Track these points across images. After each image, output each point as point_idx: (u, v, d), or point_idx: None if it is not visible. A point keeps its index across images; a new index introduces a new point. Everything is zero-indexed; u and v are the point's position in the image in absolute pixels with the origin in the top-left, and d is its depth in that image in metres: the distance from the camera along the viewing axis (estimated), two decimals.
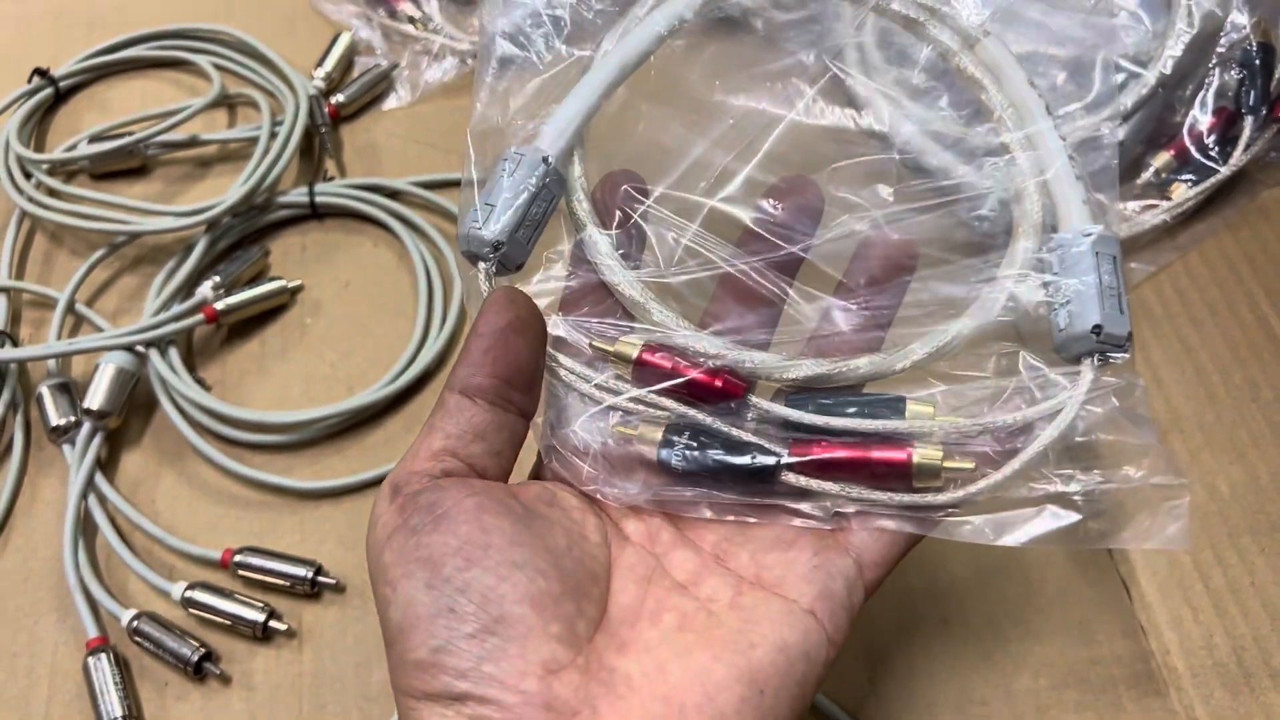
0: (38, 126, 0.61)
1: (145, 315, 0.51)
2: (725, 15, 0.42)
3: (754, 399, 0.33)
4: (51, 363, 0.51)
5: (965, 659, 0.41)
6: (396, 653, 0.28)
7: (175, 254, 0.54)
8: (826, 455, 0.31)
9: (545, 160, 0.34)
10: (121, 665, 0.43)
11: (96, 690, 0.42)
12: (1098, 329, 0.32)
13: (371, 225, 0.56)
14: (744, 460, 0.31)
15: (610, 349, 0.33)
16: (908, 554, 0.32)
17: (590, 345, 0.34)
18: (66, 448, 0.49)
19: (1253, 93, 0.50)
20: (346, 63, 0.63)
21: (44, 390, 0.49)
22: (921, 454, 0.31)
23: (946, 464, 0.31)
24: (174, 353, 0.51)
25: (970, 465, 0.31)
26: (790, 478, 0.31)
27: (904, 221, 0.36)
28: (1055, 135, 0.36)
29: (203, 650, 0.43)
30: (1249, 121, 0.51)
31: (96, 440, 0.48)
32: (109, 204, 0.55)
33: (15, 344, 0.52)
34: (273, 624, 0.44)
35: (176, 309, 0.51)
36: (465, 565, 0.28)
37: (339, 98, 0.60)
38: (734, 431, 0.32)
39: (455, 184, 0.57)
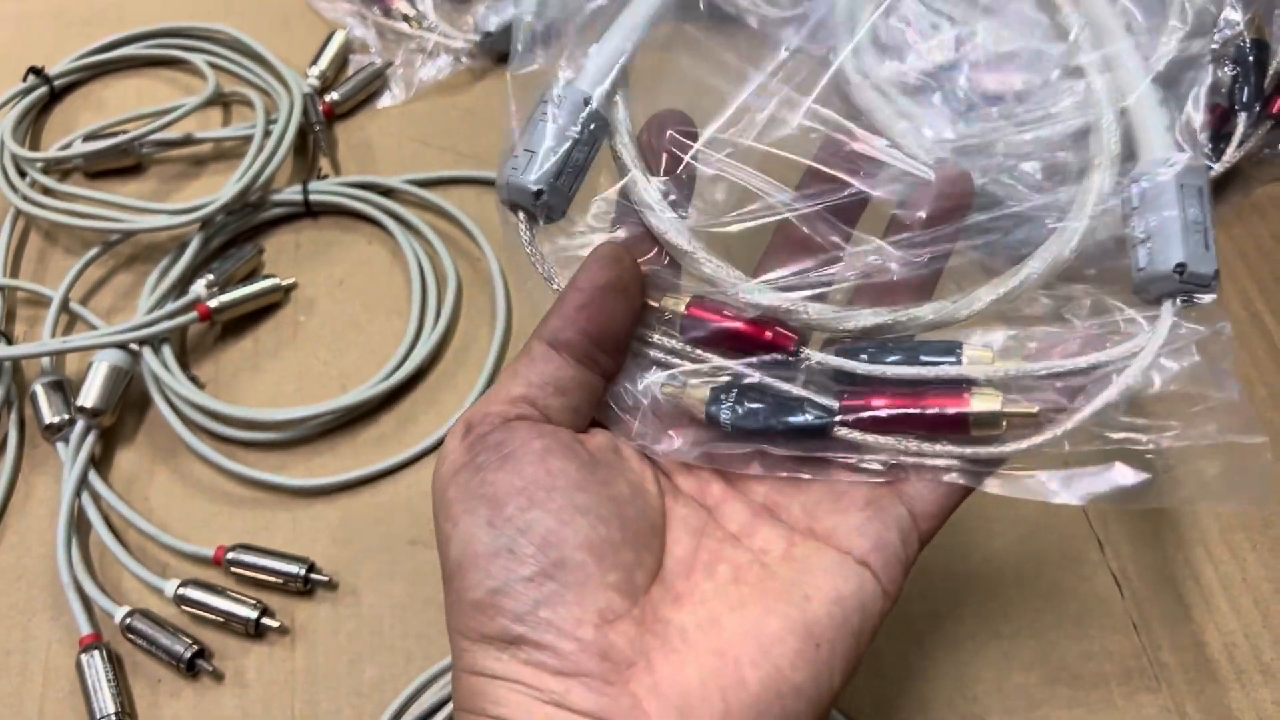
0: (33, 125, 0.61)
1: (139, 313, 0.51)
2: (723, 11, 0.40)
3: (806, 350, 0.31)
4: (45, 361, 0.51)
5: (958, 653, 0.42)
6: (454, 591, 0.28)
7: (169, 252, 0.54)
8: (880, 410, 0.30)
9: (587, 101, 0.32)
10: (115, 662, 0.43)
11: (89, 687, 0.42)
12: (1181, 267, 0.29)
13: (365, 223, 0.56)
14: (796, 419, 0.30)
15: (657, 303, 0.32)
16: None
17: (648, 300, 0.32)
18: (60, 445, 0.49)
19: (1246, 89, 0.50)
20: (341, 61, 0.63)
21: (38, 388, 0.49)
22: (981, 400, 0.29)
23: (1007, 410, 0.29)
24: (167, 350, 0.51)
25: (1033, 410, 0.29)
26: (843, 433, 0.30)
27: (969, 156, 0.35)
28: (1136, 55, 0.34)
29: (195, 647, 0.43)
30: (1243, 118, 0.50)
31: (90, 438, 0.48)
32: (103, 202, 0.55)
33: (9, 342, 0.52)
34: (265, 621, 0.44)
35: (170, 307, 0.51)
36: (527, 505, 0.28)
37: (333, 96, 0.60)
38: (784, 386, 0.31)
39: (450, 182, 0.57)
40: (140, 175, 0.59)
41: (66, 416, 0.49)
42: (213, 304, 0.51)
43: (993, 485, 0.30)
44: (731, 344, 0.32)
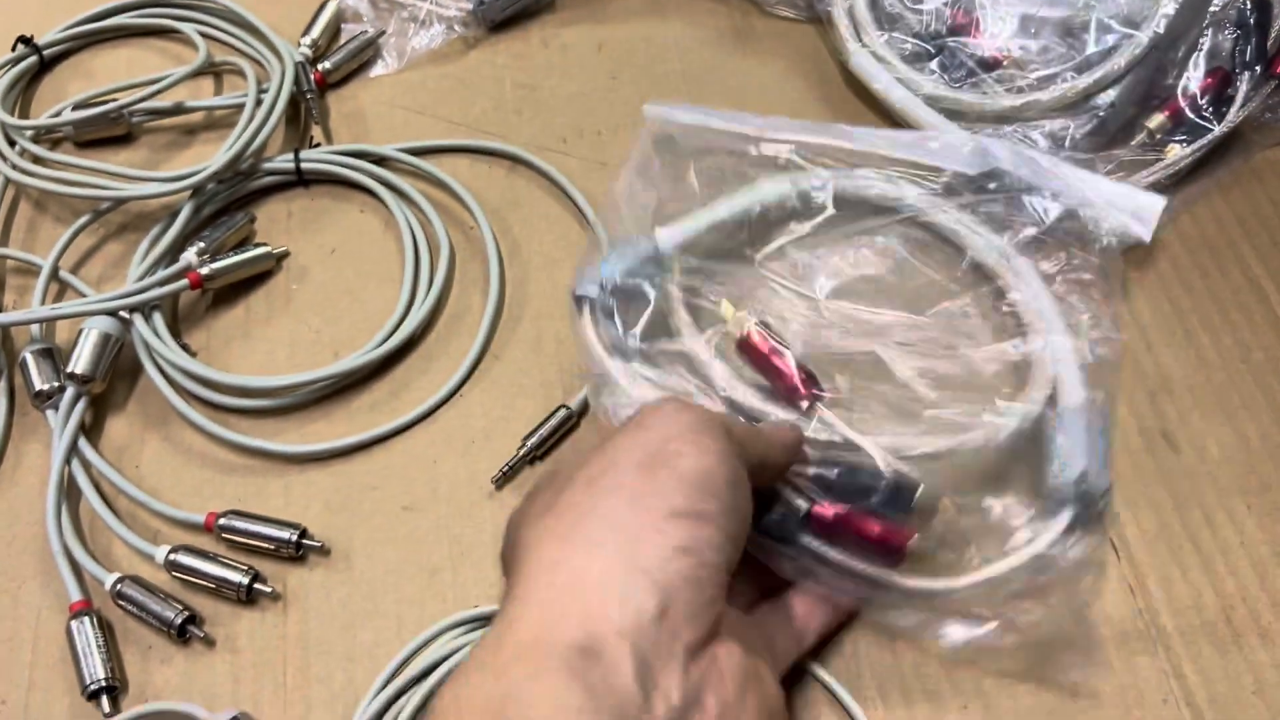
0: (22, 95, 0.61)
1: (129, 281, 0.51)
2: None
3: (819, 406, 0.41)
4: (35, 328, 0.50)
5: None
6: (655, 484, 0.32)
7: (160, 220, 0.54)
8: (841, 520, 0.38)
9: (655, 245, 0.46)
10: (105, 629, 0.43)
11: (80, 654, 0.42)
12: (1083, 476, 0.40)
13: (358, 192, 0.56)
14: (773, 516, 0.39)
15: (727, 316, 0.44)
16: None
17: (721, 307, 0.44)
18: (50, 413, 0.48)
19: (1248, 49, 0.50)
20: (333, 30, 0.62)
21: (27, 355, 0.49)
22: (915, 540, 0.38)
23: (936, 554, 0.39)
24: (158, 318, 0.50)
25: (950, 559, 0.39)
26: (807, 540, 0.38)
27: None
28: (1066, 338, 0.44)
29: (186, 613, 0.43)
30: (1244, 79, 0.50)
31: (80, 405, 0.48)
32: (93, 170, 0.54)
33: None
34: (257, 586, 0.43)
35: (161, 274, 0.51)
36: (745, 514, 0.34)
37: (325, 65, 0.60)
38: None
39: (443, 150, 0.57)
40: (131, 145, 0.59)
41: (56, 384, 0.48)
42: (204, 271, 0.51)
43: (900, 619, 0.39)
44: (766, 372, 0.43)
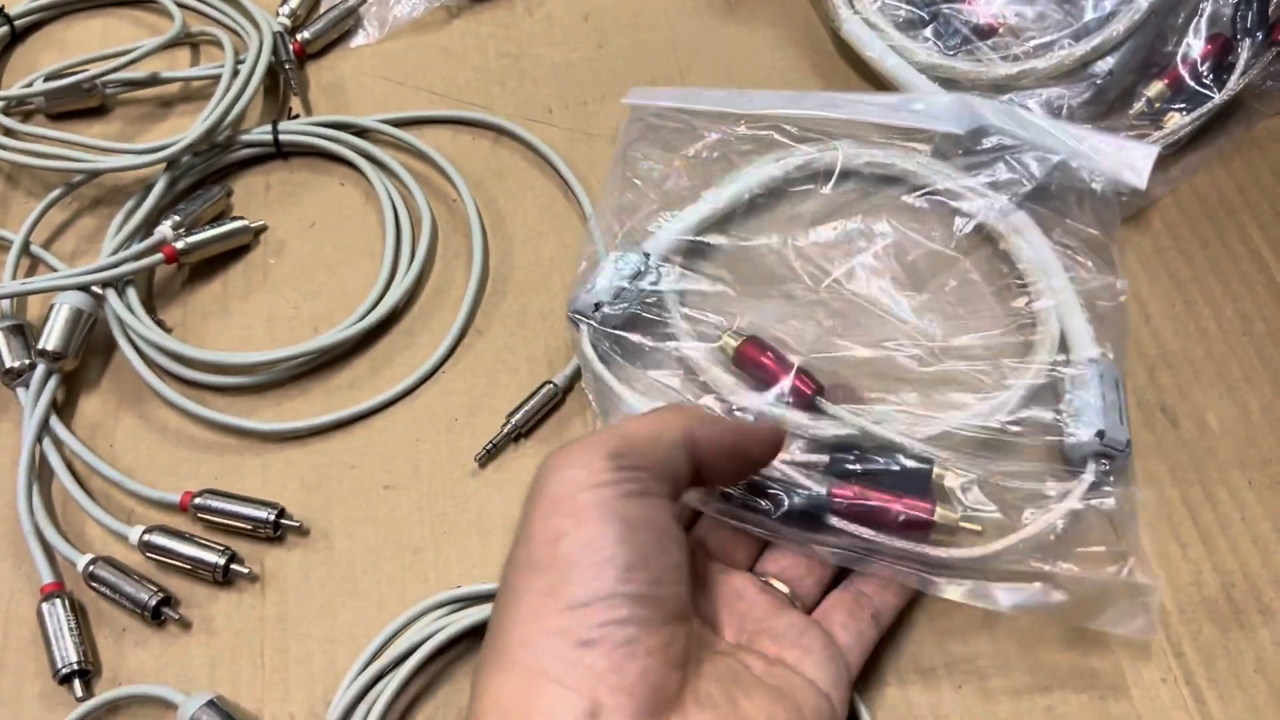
0: None
1: (103, 255, 0.50)
2: None
3: (823, 400, 0.41)
4: (5, 304, 0.49)
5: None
6: (549, 584, 0.30)
7: (135, 194, 0.52)
8: (863, 501, 0.38)
9: (646, 255, 0.46)
10: (77, 611, 0.42)
11: (51, 636, 0.41)
12: (1101, 434, 0.39)
13: (338, 164, 0.54)
14: (797, 500, 0.38)
15: (724, 336, 0.44)
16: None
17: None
18: (20, 390, 0.47)
19: (1249, 15, 0.49)
20: None
21: None
22: (941, 512, 0.38)
23: (962, 524, 0.38)
24: (132, 293, 0.49)
25: (979, 529, 0.38)
26: (834, 521, 0.38)
27: None
28: (1071, 293, 0.44)
29: (161, 594, 0.42)
30: (1245, 45, 0.49)
31: (51, 383, 0.47)
32: (65, 142, 0.53)
33: None
34: (234, 567, 0.42)
35: (135, 248, 0.49)
36: (655, 544, 0.31)
37: (304, 34, 0.58)
38: (795, 475, 0.39)
39: (425, 121, 0.55)
40: (105, 117, 0.57)
41: (27, 361, 0.47)
42: (179, 245, 0.49)
43: (935, 588, 0.38)
44: (766, 378, 0.42)
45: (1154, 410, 0.44)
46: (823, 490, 0.38)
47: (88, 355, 0.48)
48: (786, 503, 0.38)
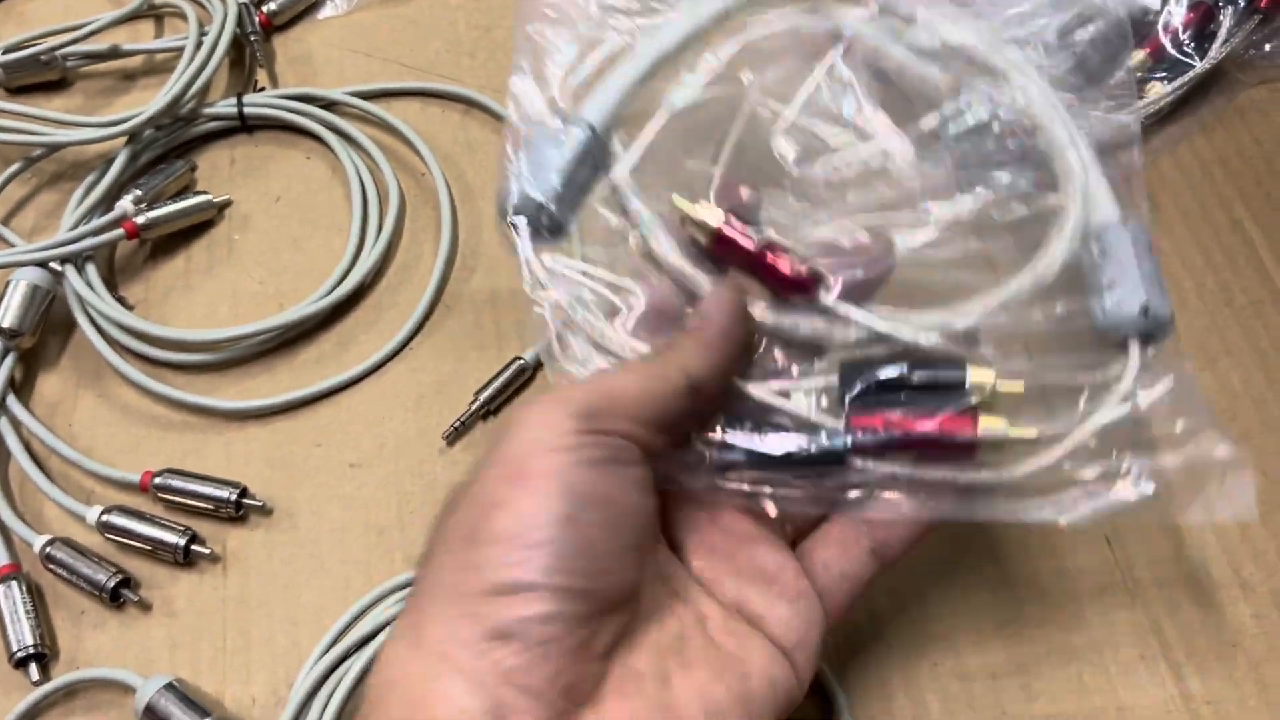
0: None
1: (62, 230, 0.48)
2: None
3: (825, 295, 0.32)
4: None
5: (922, 573, 0.39)
6: (475, 560, 0.27)
7: (95, 169, 0.51)
8: (889, 430, 0.30)
9: (591, 128, 0.34)
10: (34, 593, 0.41)
11: (6, 619, 0.40)
12: (1145, 309, 0.32)
13: (304, 137, 0.53)
14: (811, 446, 0.31)
15: (691, 212, 0.32)
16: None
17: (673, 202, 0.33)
18: None
19: None
20: None
21: None
22: (987, 424, 0.30)
23: (1012, 434, 0.30)
24: (92, 270, 0.48)
25: (1033, 434, 0.31)
26: (858, 463, 0.31)
27: None
28: (1081, 138, 0.36)
29: (120, 576, 0.41)
30: (1227, 13, 0.48)
31: (9, 360, 0.46)
32: (23, 115, 0.52)
33: None
34: (195, 548, 0.41)
35: (94, 223, 0.48)
36: (603, 527, 0.27)
37: (271, 6, 0.57)
38: (793, 408, 0.31)
39: (394, 94, 0.54)
40: (66, 90, 0.56)
41: None
42: (140, 220, 0.48)
43: (995, 512, 0.31)
44: (753, 268, 0.32)
45: None
46: (839, 425, 0.31)
47: (46, 333, 0.47)
48: (796, 450, 0.30)
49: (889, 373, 0.31)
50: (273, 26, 0.57)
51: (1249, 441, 0.41)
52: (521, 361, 0.45)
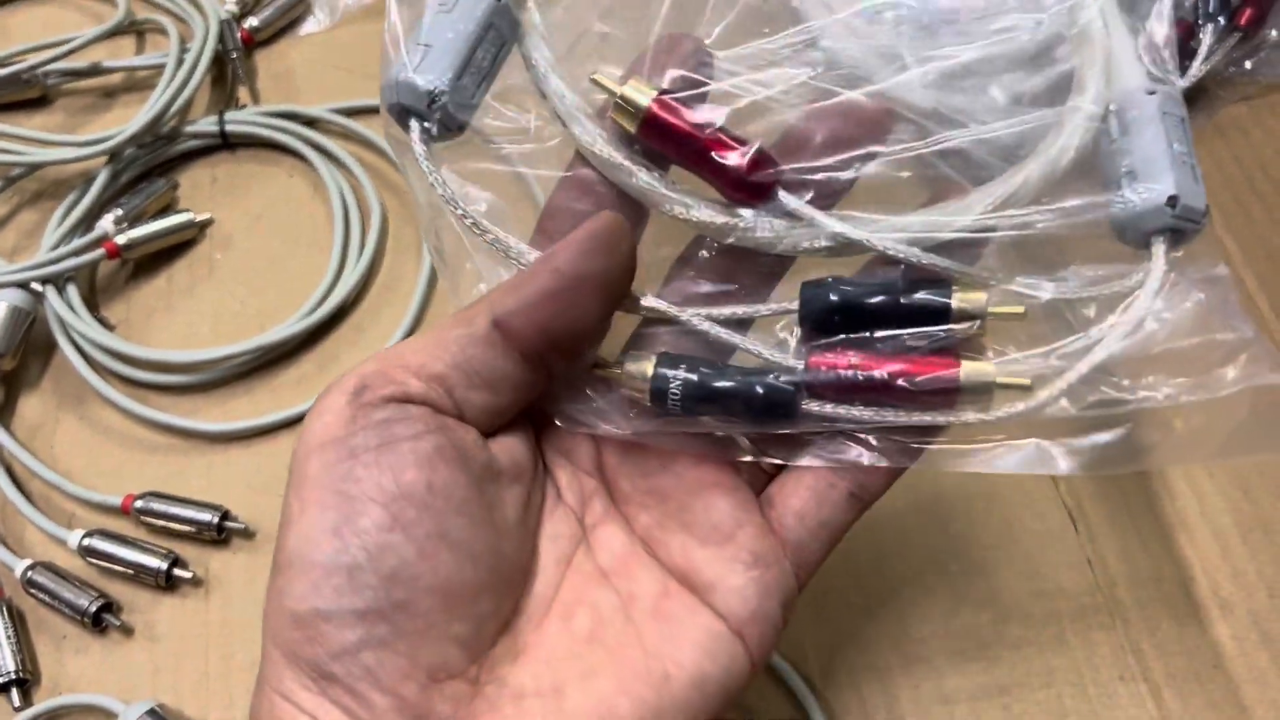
0: None
1: (42, 251, 0.48)
2: None
3: (783, 194, 0.26)
4: None
5: (904, 593, 0.40)
6: (278, 587, 0.24)
7: (76, 188, 0.51)
8: (853, 371, 0.25)
9: None
10: (15, 618, 0.41)
11: None
12: (1173, 200, 0.27)
13: (286, 155, 0.53)
14: (755, 388, 0.26)
15: (616, 89, 0.26)
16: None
17: (591, 79, 0.26)
18: None
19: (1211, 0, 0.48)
20: None
21: None
22: (972, 368, 0.25)
23: (1001, 380, 0.25)
24: (73, 290, 0.48)
25: (1027, 382, 0.25)
26: (813, 407, 0.26)
27: None
28: None
29: (102, 600, 0.41)
30: (1207, 31, 0.48)
31: None
32: (4, 134, 0.51)
33: None
34: (177, 572, 0.41)
35: (75, 244, 0.48)
36: (389, 524, 0.23)
37: (252, 22, 0.57)
38: (742, 342, 0.26)
39: (376, 111, 0.54)
40: (46, 108, 0.56)
41: None
42: (121, 240, 0.48)
43: (974, 464, 0.26)
44: (693, 160, 0.26)
45: None
46: (797, 364, 0.26)
47: (27, 355, 0.47)
48: (745, 396, 0.26)
49: (859, 295, 0.26)
50: (255, 43, 0.57)
51: (1234, 458, 0.42)
52: None
